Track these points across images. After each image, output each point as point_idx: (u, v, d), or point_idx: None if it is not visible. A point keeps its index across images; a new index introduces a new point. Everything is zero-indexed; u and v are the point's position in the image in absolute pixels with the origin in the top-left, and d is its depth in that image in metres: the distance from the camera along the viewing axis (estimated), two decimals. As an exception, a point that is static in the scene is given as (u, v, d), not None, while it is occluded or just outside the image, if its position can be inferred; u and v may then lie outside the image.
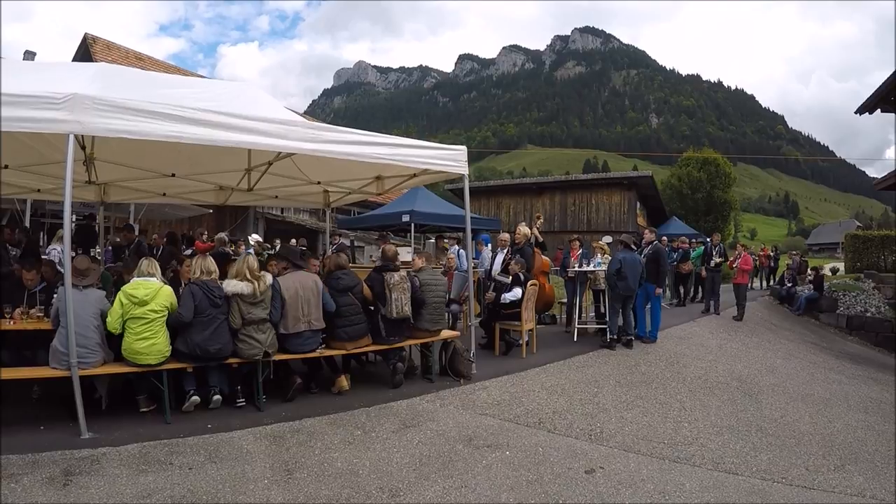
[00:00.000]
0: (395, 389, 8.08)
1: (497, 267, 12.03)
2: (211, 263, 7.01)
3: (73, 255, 7.67)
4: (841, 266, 31.37)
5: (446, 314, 10.81)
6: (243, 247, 15.33)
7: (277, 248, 15.75)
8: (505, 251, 12.24)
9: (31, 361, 6.75)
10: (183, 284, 7.47)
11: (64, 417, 6.16)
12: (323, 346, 7.75)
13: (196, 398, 6.73)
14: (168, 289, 6.82)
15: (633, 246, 11.57)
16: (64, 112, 5.59)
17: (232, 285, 6.92)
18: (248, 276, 7.02)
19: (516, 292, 10.27)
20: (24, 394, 6.99)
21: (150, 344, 6.38)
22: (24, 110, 5.55)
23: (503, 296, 10.38)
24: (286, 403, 7.22)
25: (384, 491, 5.15)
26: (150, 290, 6.58)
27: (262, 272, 7.27)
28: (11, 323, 6.91)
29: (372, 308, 8.29)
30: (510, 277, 10.59)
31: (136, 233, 13.41)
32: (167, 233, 14.13)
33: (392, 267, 8.42)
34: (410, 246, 18.01)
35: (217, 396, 6.90)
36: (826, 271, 26.18)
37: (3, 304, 7.17)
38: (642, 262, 11.51)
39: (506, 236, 13.12)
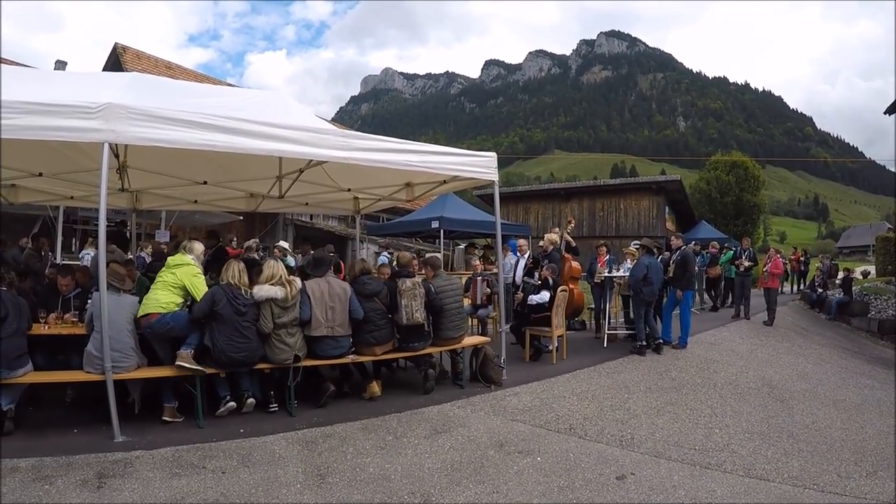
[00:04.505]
0: (427, 395, 8.10)
1: (519, 273, 12.01)
2: (243, 274, 7.07)
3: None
4: (872, 269, 31.03)
5: (471, 319, 10.82)
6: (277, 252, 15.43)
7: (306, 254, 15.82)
8: (525, 257, 12.22)
9: (64, 365, 6.87)
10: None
11: (97, 421, 6.23)
12: (353, 352, 7.75)
13: (232, 404, 6.84)
14: (193, 269, 7.06)
15: (654, 251, 11.53)
16: (99, 121, 5.67)
17: (265, 290, 6.99)
18: (283, 279, 7.14)
19: (543, 295, 10.25)
20: (57, 397, 7.13)
21: (149, 296, 6.72)
22: (60, 119, 5.63)
23: (530, 297, 10.37)
24: (318, 409, 7.28)
25: (416, 496, 5.16)
26: (178, 260, 6.99)
27: (292, 277, 7.36)
28: (46, 328, 7.00)
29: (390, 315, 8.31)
30: (539, 280, 10.56)
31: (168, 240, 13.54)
32: (175, 242, 14.20)
33: (405, 273, 8.43)
34: (440, 252, 18.09)
35: (251, 400, 6.98)
36: (857, 275, 25.88)
37: (38, 308, 7.25)
38: (670, 267, 11.47)
39: (522, 242, 13.10)
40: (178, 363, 6.46)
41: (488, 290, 11.20)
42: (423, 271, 8.94)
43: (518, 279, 11.94)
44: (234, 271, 7.01)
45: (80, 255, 12.78)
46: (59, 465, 5.27)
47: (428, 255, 9.95)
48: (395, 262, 9.14)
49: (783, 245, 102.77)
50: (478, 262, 12.74)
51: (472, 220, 18.41)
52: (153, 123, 5.90)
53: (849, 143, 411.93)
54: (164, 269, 6.96)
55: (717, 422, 7.79)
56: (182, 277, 6.84)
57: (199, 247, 7.44)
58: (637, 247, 12.04)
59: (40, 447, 5.61)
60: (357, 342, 7.80)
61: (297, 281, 7.37)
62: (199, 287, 6.98)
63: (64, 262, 10.63)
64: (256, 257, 11.38)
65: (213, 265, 8.49)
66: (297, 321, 7.21)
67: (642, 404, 8.29)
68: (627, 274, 11.83)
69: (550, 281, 10.42)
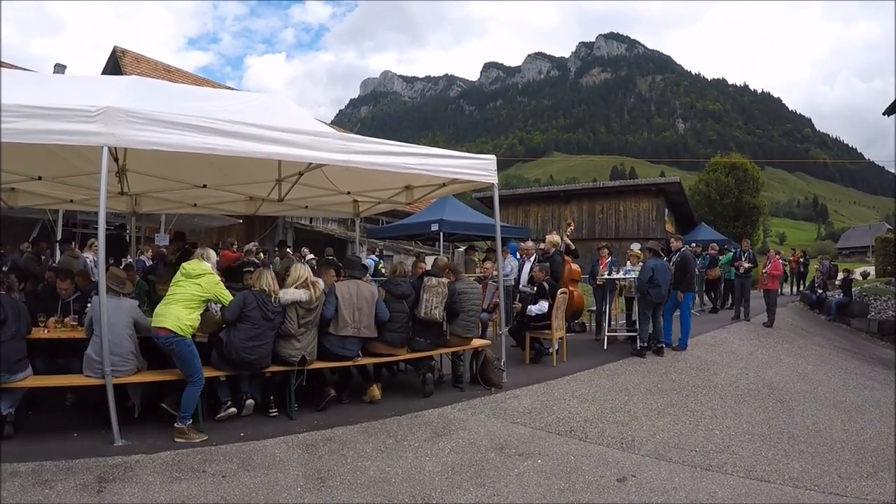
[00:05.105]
0: (427, 398, 8.09)
1: (525, 276, 11.99)
2: (275, 282, 7.07)
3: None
4: (872, 270, 31.06)
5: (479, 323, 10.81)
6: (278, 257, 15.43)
7: (307, 257, 15.83)
8: (531, 260, 12.20)
9: (64, 369, 6.84)
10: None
11: (97, 425, 6.22)
12: (359, 355, 7.76)
13: (233, 409, 6.85)
14: (216, 278, 6.93)
15: (660, 252, 11.50)
16: (98, 125, 5.66)
17: (290, 293, 7.00)
18: (308, 281, 7.15)
19: (542, 305, 10.21)
20: (57, 401, 7.12)
21: (171, 309, 6.39)
22: (59, 123, 5.63)
23: (529, 308, 10.34)
24: (318, 412, 7.28)
25: (416, 499, 5.16)
26: (199, 269, 6.74)
27: (315, 279, 7.36)
28: (45, 332, 6.99)
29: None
30: (535, 288, 10.56)
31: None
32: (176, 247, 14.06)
33: (433, 273, 8.56)
34: (440, 255, 18.13)
35: (250, 401, 6.99)
36: (857, 275, 25.89)
37: (37, 312, 7.23)
38: (671, 269, 11.45)
39: (529, 244, 13.07)
40: (176, 438, 6.20)
41: (496, 300, 11.17)
42: (446, 275, 8.96)
43: (523, 282, 11.91)
44: (268, 279, 7.02)
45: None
46: (59, 469, 5.27)
47: (440, 259, 9.96)
48: (431, 265, 9.25)
49: (783, 246, 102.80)
50: (490, 264, 12.72)
51: (472, 222, 18.36)
52: (152, 127, 5.90)
53: (848, 144, 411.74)
54: (181, 277, 6.70)
55: (718, 423, 7.80)
56: (209, 288, 6.71)
57: (214, 255, 7.40)
58: (640, 249, 12.02)
59: (40, 451, 5.61)
60: (371, 339, 7.86)
61: (320, 282, 7.38)
62: (226, 293, 6.93)
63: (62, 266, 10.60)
64: (256, 261, 11.38)
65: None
66: (317, 321, 7.28)
67: (643, 406, 8.30)
68: (628, 276, 11.83)
69: (546, 286, 10.40)
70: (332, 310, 7.40)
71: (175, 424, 6.22)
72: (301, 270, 7.25)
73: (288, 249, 15.32)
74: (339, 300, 7.46)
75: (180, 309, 6.42)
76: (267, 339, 6.83)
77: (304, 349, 7.06)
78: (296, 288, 7.06)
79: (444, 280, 8.52)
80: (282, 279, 7.30)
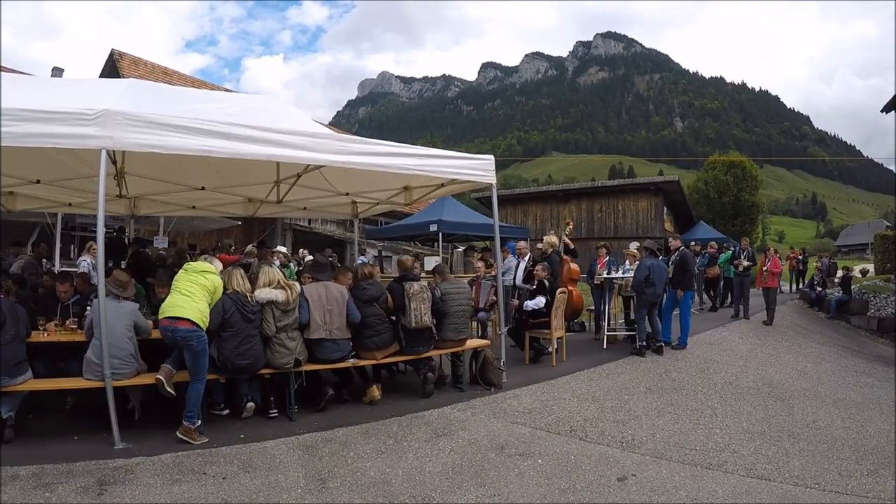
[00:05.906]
0: (427, 399, 8.09)
1: (520, 275, 11.99)
2: (245, 280, 7.02)
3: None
4: (871, 267, 31.01)
5: (473, 323, 10.79)
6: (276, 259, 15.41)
7: (305, 258, 15.83)
8: (526, 259, 12.20)
9: (64, 373, 6.84)
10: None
11: (97, 428, 6.21)
12: (354, 356, 7.73)
13: (226, 410, 6.90)
14: (220, 280, 6.87)
15: (657, 252, 11.51)
16: (96, 128, 5.66)
17: (266, 293, 6.96)
18: (281, 283, 7.11)
19: (539, 301, 10.22)
20: (57, 404, 7.10)
21: (192, 301, 6.37)
22: (57, 126, 5.63)
23: (525, 303, 10.35)
24: (318, 413, 7.27)
25: (417, 499, 5.15)
26: (207, 268, 6.76)
27: (290, 282, 7.33)
28: (45, 335, 6.97)
29: (394, 318, 8.29)
30: (535, 284, 10.56)
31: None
32: (177, 249, 14.01)
33: (411, 276, 8.41)
34: (438, 255, 18.12)
35: (250, 404, 7.00)
36: (856, 273, 25.86)
37: (37, 316, 7.23)
38: (668, 268, 11.45)
39: (522, 244, 13.08)
40: (178, 433, 6.17)
41: (494, 298, 11.16)
42: (433, 277, 8.95)
43: (518, 281, 11.92)
44: (238, 278, 6.97)
45: (77, 262, 12.75)
46: (59, 472, 5.27)
47: (436, 264, 9.95)
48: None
49: (782, 244, 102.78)
50: (481, 264, 12.71)
51: (471, 222, 18.37)
52: (150, 129, 5.89)
53: (846, 142, 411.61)
54: (190, 272, 6.69)
55: (718, 422, 7.80)
56: (216, 283, 6.74)
57: (219, 263, 7.40)
58: (637, 248, 12.03)
59: (40, 454, 5.61)
60: (358, 347, 7.80)
61: (296, 284, 7.36)
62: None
63: (62, 269, 10.60)
64: (253, 262, 11.39)
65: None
66: (297, 324, 7.21)
67: (643, 405, 8.30)
68: (627, 275, 11.83)
69: (546, 284, 10.40)
70: (307, 313, 7.34)
71: (183, 422, 6.21)
72: (271, 274, 7.20)
73: (282, 249, 15.32)
74: (309, 302, 7.40)
75: (199, 302, 6.44)
76: (254, 340, 6.80)
77: (294, 352, 7.04)
78: (272, 288, 7.04)
79: (425, 283, 8.47)
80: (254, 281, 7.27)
